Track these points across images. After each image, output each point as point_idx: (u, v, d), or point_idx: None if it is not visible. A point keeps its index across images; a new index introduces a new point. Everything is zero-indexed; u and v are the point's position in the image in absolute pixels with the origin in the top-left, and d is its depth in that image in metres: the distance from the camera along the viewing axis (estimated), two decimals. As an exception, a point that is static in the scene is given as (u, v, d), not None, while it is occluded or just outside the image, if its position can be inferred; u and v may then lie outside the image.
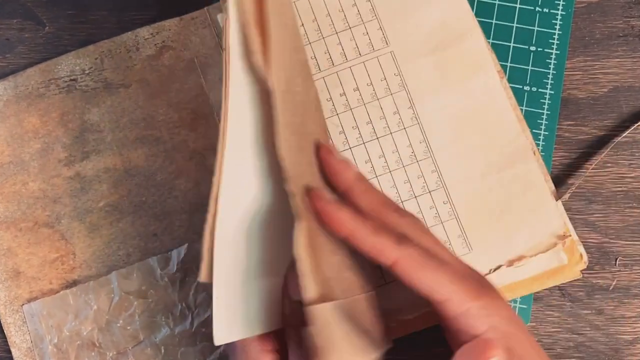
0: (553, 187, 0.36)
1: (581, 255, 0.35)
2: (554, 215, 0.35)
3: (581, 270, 0.35)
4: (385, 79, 0.36)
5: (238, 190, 0.29)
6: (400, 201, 0.36)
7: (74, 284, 0.37)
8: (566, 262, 0.35)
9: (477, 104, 0.36)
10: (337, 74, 0.36)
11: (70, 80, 0.38)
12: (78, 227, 0.37)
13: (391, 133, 0.36)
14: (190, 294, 0.37)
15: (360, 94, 0.36)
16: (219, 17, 0.37)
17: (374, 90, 0.36)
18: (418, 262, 0.27)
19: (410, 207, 0.36)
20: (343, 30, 0.37)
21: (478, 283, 0.27)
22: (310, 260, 0.26)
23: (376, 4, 0.36)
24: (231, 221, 0.29)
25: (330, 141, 0.35)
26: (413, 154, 0.36)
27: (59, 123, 0.38)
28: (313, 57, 0.36)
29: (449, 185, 0.35)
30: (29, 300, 0.37)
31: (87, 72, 0.38)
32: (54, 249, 0.37)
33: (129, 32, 0.38)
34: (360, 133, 0.36)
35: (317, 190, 0.28)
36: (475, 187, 0.35)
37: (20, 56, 0.39)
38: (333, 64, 0.36)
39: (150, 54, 0.38)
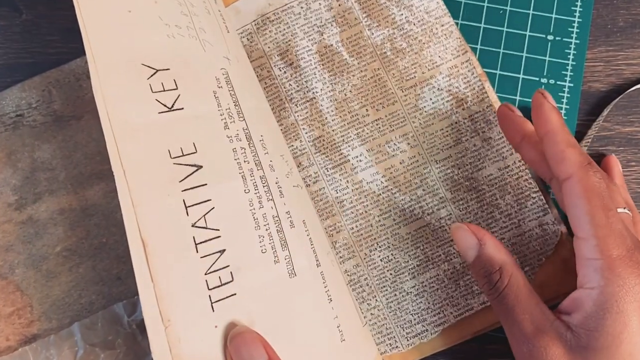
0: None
1: None
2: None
3: None
4: None
5: None
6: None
7: (33, 339, 0.33)
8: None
9: None
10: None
11: (17, 116, 0.35)
12: (34, 276, 0.34)
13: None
14: (162, 340, 0.33)
15: None
16: None
17: None
18: (593, 190, 0.26)
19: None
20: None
21: (629, 252, 0.26)
22: None
23: None
24: None
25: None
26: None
27: (7, 163, 0.34)
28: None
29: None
30: (-14, 360, 0.33)
31: (34, 105, 0.35)
32: (9, 302, 0.34)
33: (78, 59, 0.35)
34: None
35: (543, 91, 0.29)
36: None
37: None
38: None
39: (102, 81, 0.35)
